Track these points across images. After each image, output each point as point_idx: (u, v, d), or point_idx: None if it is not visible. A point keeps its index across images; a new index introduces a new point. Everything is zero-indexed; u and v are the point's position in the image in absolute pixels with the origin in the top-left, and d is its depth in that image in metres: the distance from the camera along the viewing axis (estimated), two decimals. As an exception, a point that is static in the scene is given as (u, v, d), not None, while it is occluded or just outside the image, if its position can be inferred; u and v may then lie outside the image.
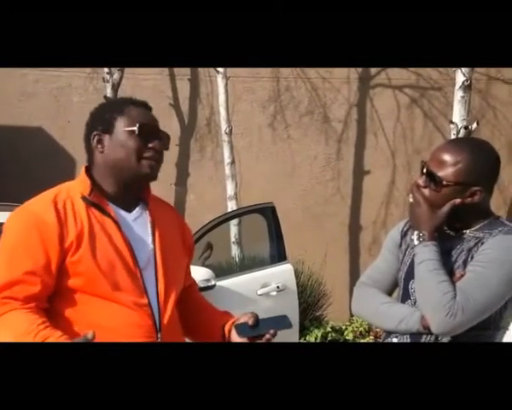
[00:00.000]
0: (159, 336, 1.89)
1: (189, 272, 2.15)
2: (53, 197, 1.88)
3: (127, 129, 1.90)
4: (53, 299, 1.85)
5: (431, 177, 1.94)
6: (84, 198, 1.89)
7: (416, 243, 1.93)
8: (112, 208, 1.92)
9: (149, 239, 1.95)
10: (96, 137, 1.93)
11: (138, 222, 1.96)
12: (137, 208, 1.97)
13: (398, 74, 6.97)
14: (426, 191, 1.96)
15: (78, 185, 1.92)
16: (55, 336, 1.72)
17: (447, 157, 1.93)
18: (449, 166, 1.92)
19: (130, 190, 1.96)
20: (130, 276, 1.88)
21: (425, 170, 1.96)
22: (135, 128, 1.90)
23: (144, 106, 1.99)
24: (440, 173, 1.92)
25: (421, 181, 1.97)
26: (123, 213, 1.94)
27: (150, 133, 1.93)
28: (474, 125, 5.55)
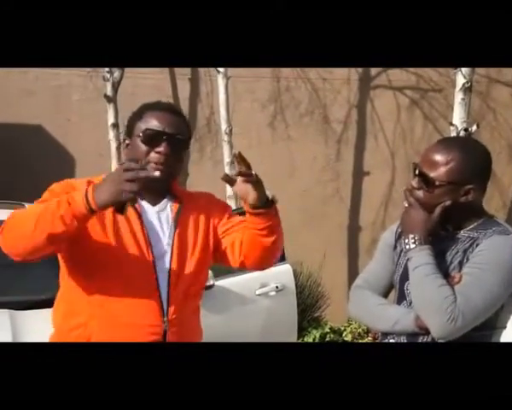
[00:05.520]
0: (165, 322, 1.99)
1: (232, 223, 2.21)
2: (87, 180, 2.02)
3: (137, 135, 2.04)
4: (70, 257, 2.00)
5: (423, 178, 1.93)
6: None
7: (411, 246, 1.92)
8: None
9: (169, 232, 2.05)
10: (124, 141, 2.11)
11: (161, 215, 2.07)
12: (162, 202, 2.09)
13: (398, 76, 6.96)
14: (419, 193, 1.95)
15: None
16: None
17: (438, 157, 1.91)
18: (441, 166, 1.90)
19: (148, 187, 2.02)
20: (144, 262, 1.99)
21: (417, 171, 1.94)
22: (140, 135, 2.03)
23: (164, 109, 2.08)
24: (433, 174, 1.90)
25: (414, 183, 1.96)
26: (146, 204, 2.06)
27: (154, 138, 2.02)
28: (474, 128, 5.54)
